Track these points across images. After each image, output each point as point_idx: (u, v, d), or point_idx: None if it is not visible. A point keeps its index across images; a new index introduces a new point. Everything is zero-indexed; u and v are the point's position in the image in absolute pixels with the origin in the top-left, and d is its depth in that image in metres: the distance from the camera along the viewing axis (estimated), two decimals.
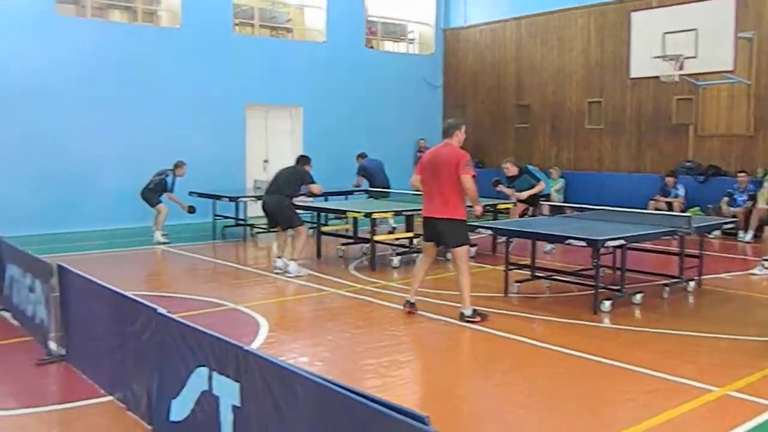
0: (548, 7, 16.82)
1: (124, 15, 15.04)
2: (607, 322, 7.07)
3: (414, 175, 7.34)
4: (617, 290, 7.56)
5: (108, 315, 4.83)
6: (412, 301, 7.23)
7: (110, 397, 4.75)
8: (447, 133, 7.08)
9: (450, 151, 6.95)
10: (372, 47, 18.57)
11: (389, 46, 19.34)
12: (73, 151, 13.47)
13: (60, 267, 5.52)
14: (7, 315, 6.94)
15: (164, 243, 11.93)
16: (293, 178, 9.44)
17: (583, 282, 8.19)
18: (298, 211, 9.72)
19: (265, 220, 10.00)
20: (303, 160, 9.75)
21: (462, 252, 6.98)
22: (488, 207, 10.78)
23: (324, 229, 11.25)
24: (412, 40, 19.69)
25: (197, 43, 14.93)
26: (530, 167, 11.80)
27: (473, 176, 6.87)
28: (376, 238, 10.12)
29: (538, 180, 11.03)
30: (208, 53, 15.11)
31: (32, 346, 5.94)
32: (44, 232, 12.46)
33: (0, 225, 7.80)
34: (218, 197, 12.81)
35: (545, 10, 16.91)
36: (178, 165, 12.28)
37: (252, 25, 16.71)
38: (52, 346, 5.64)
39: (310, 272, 9.40)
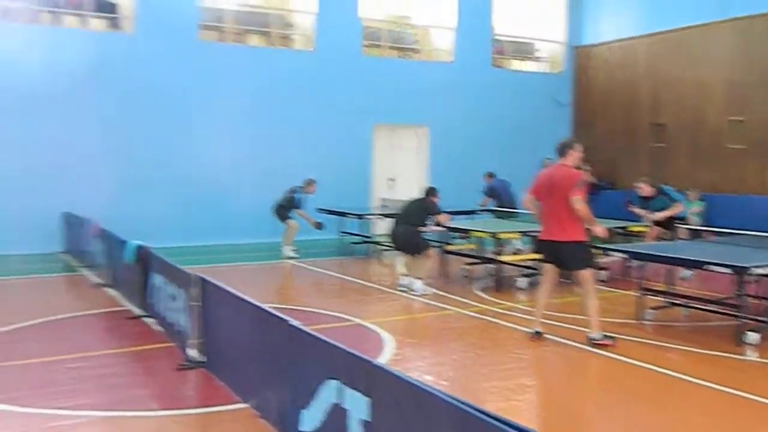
0: (686, 22, 16.04)
1: (261, 39, 15.80)
2: (752, 355, 6.59)
3: (527, 194, 7.21)
4: (765, 321, 7.02)
5: (244, 325, 5.03)
6: (539, 330, 7.03)
7: (245, 404, 4.94)
8: (561, 152, 6.92)
9: (564, 172, 6.80)
10: (499, 66, 18.46)
11: (516, 64, 19.16)
12: (215, 168, 14.26)
13: (201, 278, 5.82)
14: (150, 321, 7.39)
15: (293, 258, 12.34)
16: (420, 210, 9.60)
17: (726, 311, 7.67)
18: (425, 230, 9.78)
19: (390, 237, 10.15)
20: (430, 191, 9.84)
21: (587, 274, 6.77)
22: (618, 229, 10.37)
23: (449, 248, 11.23)
24: (540, 58, 19.40)
25: (329, 65, 15.45)
26: (666, 188, 11.23)
27: (584, 198, 6.65)
28: (502, 258, 9.99)
29: (675, 201, 10.49)
30: (339, 74, 15.58)
31: (173, 352, 6.29)
32: (188, 245, 13.16)
33: (147, 236, 8.33)
34: (345, 214, 13.11)
35: (683, 26, 16.15)
36: (309, 183, 12.69)
37: (380, 47, 17.08)
38: (192, 352, 5.94)
39: (435, 291, 9.39)
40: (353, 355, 3.52)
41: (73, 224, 11.90)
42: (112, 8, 14.14)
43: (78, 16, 13.84)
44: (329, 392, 3.71)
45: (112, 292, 9.05)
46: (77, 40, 13.45)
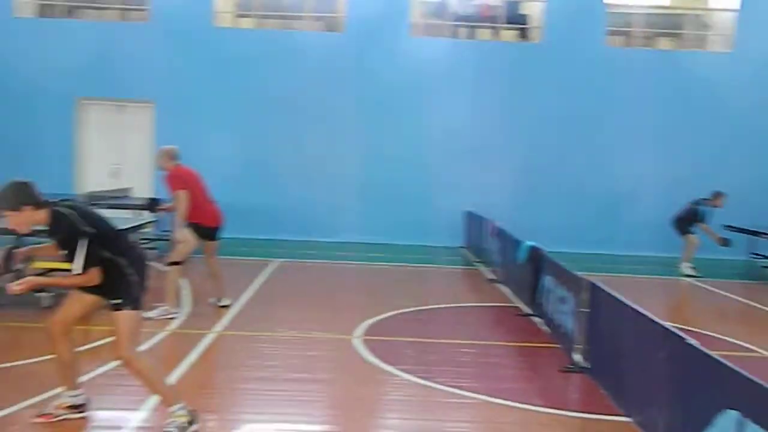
0: None
1: (670, 42, 14.97)
2: None
3: None
4: None
5: (635, 338, 4.84)
6: None
7: (627, 419, 4.75)
8: None
9: None
10: None
11: None
12: (614, 177, 13.97)
13: (592, 284, 5.77)
14: (537, 320, 7.59)
15: (691, 276, 11.44)
16: None
17: None
18: None
19: None
20: None
21: None
22: None
23: None
24: None
25: (751, 66, 13.92)
26: None
27: None
28: None
29: None
30: (763, 75, 13.96)
31: (557, 353, 6.37)
32: (578, 251, 12.69)
33: (541, 239, 8.50)
34: (758, 234, 11.72)
35: None
36: (717, 195, 11.60)
37: None
38: (577, 357, 5.94)
39: None
40: (762, 386, 3.14)
41: (473, 223, 12.85)
42: (523, 19, 14.84)
43: (492, 29, 14.82)
44: (727, 423, 3.37)
45: (503, 288, 9.53)
46: (488, 50, 14.39)
